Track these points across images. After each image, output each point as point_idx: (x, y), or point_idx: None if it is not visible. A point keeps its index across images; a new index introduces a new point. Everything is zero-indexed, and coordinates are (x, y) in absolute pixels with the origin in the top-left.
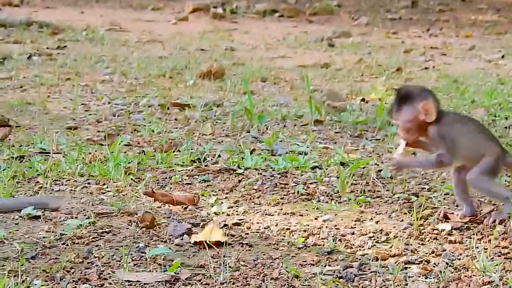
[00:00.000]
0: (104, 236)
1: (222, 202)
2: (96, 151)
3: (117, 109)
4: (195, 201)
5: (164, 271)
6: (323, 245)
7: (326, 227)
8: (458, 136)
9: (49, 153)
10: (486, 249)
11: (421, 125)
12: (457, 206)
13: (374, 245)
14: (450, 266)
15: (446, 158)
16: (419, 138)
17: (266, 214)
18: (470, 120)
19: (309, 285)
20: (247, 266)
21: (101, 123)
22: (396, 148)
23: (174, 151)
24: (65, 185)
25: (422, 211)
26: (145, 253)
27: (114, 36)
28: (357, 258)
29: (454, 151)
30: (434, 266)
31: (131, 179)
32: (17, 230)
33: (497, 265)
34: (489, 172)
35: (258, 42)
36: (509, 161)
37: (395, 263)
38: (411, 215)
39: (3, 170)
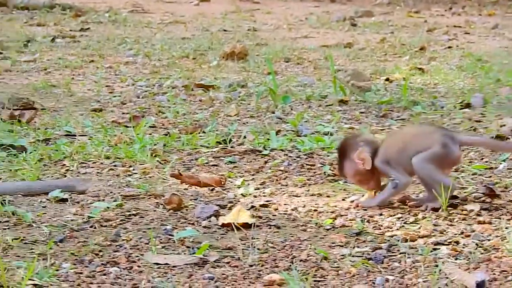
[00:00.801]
0: (131, 218)
1: (248, 184)
2: (121, 133)
3: (141, 90)
4: (222, 182)
5: (192, 254)
6: (351, 226)
7: (354, 208)
8: (397, 155)
9: (75, 135)
10: None
11: (368, 172)
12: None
13: (403, 226)
14: (479, 247)
15: (401, 181)
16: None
17: (293, 196)
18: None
19: (338, 267)
20: (275, 248)
21: (126, 105)
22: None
23: (199, 133)
24: (92, 167)
25: (450, 191)
26: (173, 236)
27: (136, 17)
28: (385, 239)
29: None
30: (463, 247)
31: (157, 161)
32: (45, 213)
33: None
34: (434, 160)
35: (280, 22)
36: (463, 140)
37: (424, 244)
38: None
39: (30, 153)
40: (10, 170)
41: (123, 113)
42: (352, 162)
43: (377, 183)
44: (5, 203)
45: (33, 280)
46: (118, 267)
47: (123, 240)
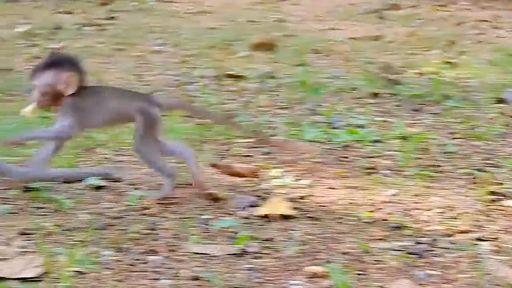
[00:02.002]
0: (169, 207)
1: (285, 175)
2: None
3: (171, 80)
4: (258, 173)
5: (231, 244)
6: (390, 220)
7: (392, 201)
8: (90, 108)
9: None
10: None
11: (58, 95)
12: None
13: (442, 220)
14: None
15: (67, 131)
16: (53, 107)
17: (330, 188)
18: (108, 88)
19: (379, 261)
20: (315, 240)
21: (158, 94)
22: (25, 108)
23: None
24: (126, 155)
25: (488, 186)
26: (211, 225)
27: (163, 7)
28: (426, 234)
29: (80, 124)
30: (505, 243)
31: (193, 150)
32: (82, 201)
33: None
34: (145, 133)
35: (307, 13)
36: (161, 103)
37: (465, 239)
38: (477, 191)
39: None
40: None
41: None
42: (56, 77)
43: (52, 105)
44: (42, 189)
45: (75, 267)
46: (157, 255)
47: (162, 229)
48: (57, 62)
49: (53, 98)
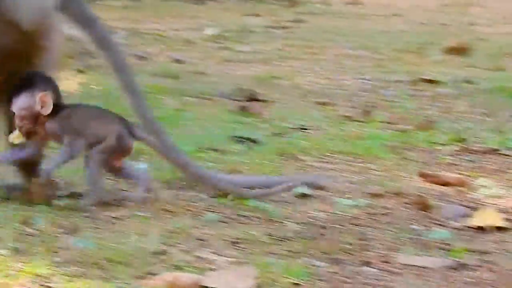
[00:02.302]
0: (378, 217)
1: (494, 185)
2: (355, 128)
3: (367, 84)
4: (466, 183)
5: (445, 256)
6: None
7: None
8: (78, 126)
9: (307, 129)
10: None
11: (37, 117)
12: None
13: None
14: None
15: (76, 149)
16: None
17: None
18: (88, 107)
19: None
20: None
21: (353, 98)
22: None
23: (432, 129)
24: (329, 162)
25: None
26: (424, 236)
27: (350, 9)
28: None
29: (80, 140)
30: None
31: (397, 158)
32: (290, 209)
33: None
34: (107, 151)
35: (495, 16)
36: (138, 135)
37: None
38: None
39: (265, 146)
40: (248, 163)
41: (352, 107)
42: (31, 99)
43: (33, 131)
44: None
45: (290, 278)
46: (371, 267)
47: (373, 239)
48: (29, 83)
49: (33, 121)
